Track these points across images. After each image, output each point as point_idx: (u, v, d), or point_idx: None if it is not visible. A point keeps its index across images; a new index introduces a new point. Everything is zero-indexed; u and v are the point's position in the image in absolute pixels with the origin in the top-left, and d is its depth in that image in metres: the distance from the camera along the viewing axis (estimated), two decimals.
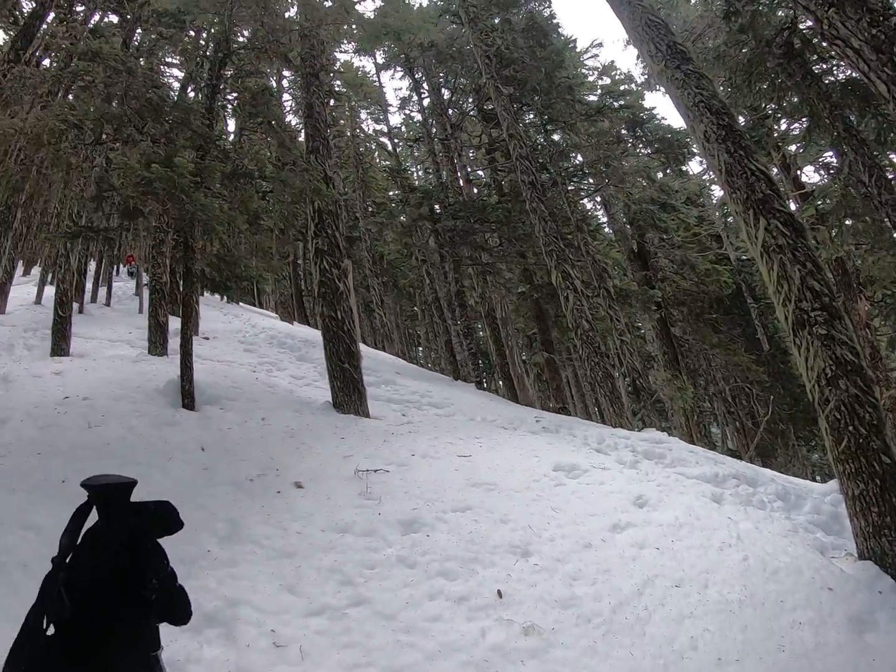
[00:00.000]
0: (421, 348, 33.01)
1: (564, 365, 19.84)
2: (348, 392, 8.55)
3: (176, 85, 16.17)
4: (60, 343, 10.80)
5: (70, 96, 10.81)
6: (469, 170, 20.13)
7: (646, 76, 20.10)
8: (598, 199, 21.43)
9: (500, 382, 19.01)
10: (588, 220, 20.91)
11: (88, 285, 19.42)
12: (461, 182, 18.69)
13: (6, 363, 9.68)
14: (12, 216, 13.57)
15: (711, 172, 20.07)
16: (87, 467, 5.59)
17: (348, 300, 9.13)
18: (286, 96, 23.49)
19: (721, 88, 10.20)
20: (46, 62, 12.84)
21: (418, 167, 28.27)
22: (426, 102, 20.86)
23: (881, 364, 12.68)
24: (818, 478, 8.69)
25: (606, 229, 23.05)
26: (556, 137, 18.93)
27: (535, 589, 4.45)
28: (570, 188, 17.96)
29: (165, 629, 3.84)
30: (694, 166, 25.15)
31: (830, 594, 4.86)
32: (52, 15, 11.19)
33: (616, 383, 12.53)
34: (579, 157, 19.00)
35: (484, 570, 4.61)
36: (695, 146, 18.63)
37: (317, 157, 9.60)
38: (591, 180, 18.67)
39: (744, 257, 22.00)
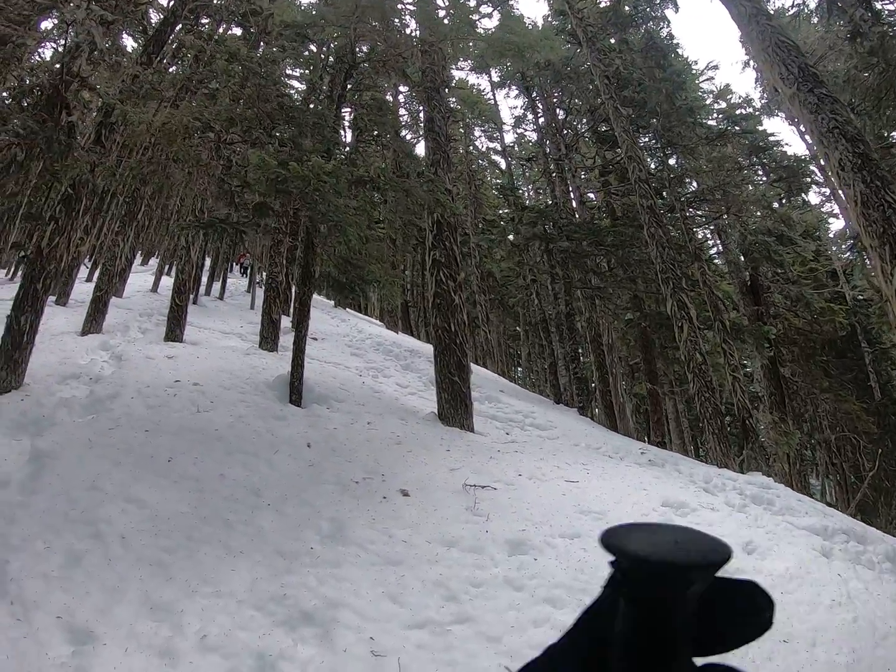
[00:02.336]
0: (521, 368, 32.70)
1: (665, 398, 19.06)
2: (455, 405, 8.38)
3: (297, 96, 16.64)
4: (175, 329, 11.17)
5: (199, 97, 11.23)
6: (582, 192, 19.77)
7: (765, 100, 19.28)
8: (712, 227, 20.57)
9: (596, 410, 18.43)
10: (703, 249, 20.10)
11: (203, 279, 20.27)
12: (574, 203, 18.39)
13: (120, 343, 10.08)
14: (137, 208, 14.29)
15: (835, 204, 18.99)
16: (193, 448, 5.70)
17: (462, 313, 8.98)
18: (401, 111, 23.91)
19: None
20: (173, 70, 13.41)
21: (529, 187, 28.19)
22: (541, 121, 20.70)
23: None
24: None
25: (717, 260, 22.13)
26: (671, 162, 18.34)
27: None
28: (687, 215, 17.31)
29: (260, 620, 3.81)
30: (812, 198, 23.94)
31: None
32: (179, 26, 11.75)
33: (724, 422, 11.85)
34: (694, 184, 18.32)
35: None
36: (818, 175, 17.78)
37: (437, 171, 9.56)
38: (706, 208, 17.94)
39: (860, 297, 20.63)
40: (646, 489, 6.70)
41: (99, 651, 3.38)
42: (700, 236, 21.03)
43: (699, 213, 18.21)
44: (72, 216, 7.71)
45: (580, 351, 18.41)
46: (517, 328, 28.84)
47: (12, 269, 23.36)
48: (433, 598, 4.13)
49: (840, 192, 6.99)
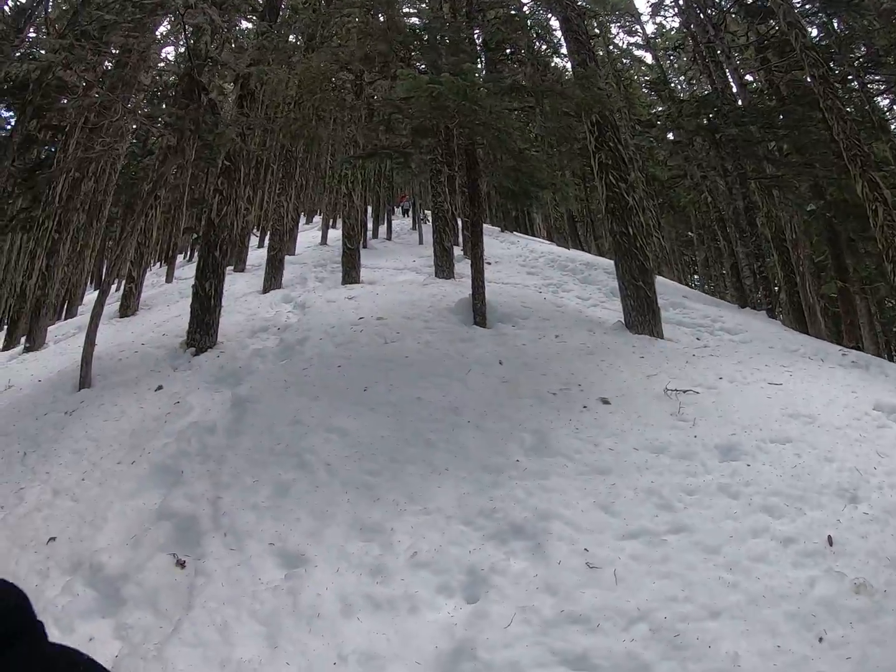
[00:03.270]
0: (697, 276, 31.19)
1: (857, 299, 17.26)
2: (642, 311, 7.97)
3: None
4: (350, 272, 11.59)
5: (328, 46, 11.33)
6: (740, 74, 17.89)
7: None
8: (892, 97, 17.92)
9: (783, 315, 17.05)
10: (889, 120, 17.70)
11: (369, 224, 20.95)
12: (734, 88, 16.69)
13: (301, 293, 10.62)
14: (293, 168, 14.86)
15: None
16: (386, 377, 5.77)
17: (638, 215, 8.46)
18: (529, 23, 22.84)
19: None
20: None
21: (681, 78, 26.19)
22: (681, 3, 18.84)
23: None
24: None
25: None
26: (835, 25, 16.06)
27: (866, 541, 3.71)
28: (865, 83, 15.21)
29: (469, 535, 3.81)
30: None
31: None
32: None
33: None
34: (864, 49, 15.93)
35: (811, 510, 3.93)
36: None
37: (586, 69, 8.96)
38: (884, 73, 15.55)
39: None
40: (854, 392, 6.07)
41: (311, 572, 3.52)
42: (882, 110, 18.52)
43: (876, 77, 15.89)
44: (234, 185, 8.16)
45: (762, 249, 17.04)
46: (689, 233, 27.32)
47: (188, 252, 25.58)
48: (646, 506, 3.94)
49: None
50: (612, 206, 8.27)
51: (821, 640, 3.06)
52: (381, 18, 8.38)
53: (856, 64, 14.95)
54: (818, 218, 14.59)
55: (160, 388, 6.50)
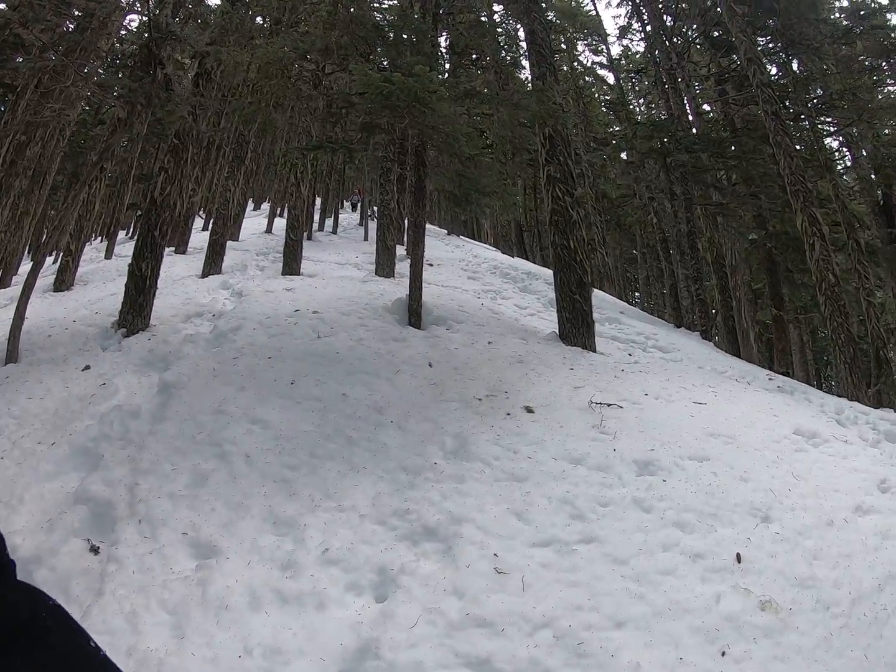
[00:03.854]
0: (638, 293, 31.80)
1: (790, 326, 17.90)
2: (576, 324, 8.12)
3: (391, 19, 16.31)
4: (291, 263, 11.49)
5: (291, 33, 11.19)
6: (697, 103, 18.41)
7: None
8: (839, 140, 18.71)
9: (717, 337, 17.56)
10: (833, 161, 18.43)
11: (316, 217, 20.78)
12: (690, 116, 17.17)
13: (240, 280, 10.47)
14: (244, 153, 14.61)
15: None
16: (315, 371, 5.73)
17: (580, 229, 8.61)
18: (499, 30, 23.02)
19: None
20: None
21: (640, 101, 26.75)
22: (648, 29, 19.30)
23: None
24: None
25: (845, 177, 20.27)
26: (793, 67, 16.68)
27: (774, 560, 3.86)
28: (816, 123, 15.80)
29: (382, 534, 3.82)
30: None
31: None
32: None
33: (857, 350, 10.95)
34: (820, 91, 16.60)
35: (722, 528, 4.05)
36: None
37: (544, 83, 9.08)
38: (834, 116, 16.23)
39: None
40: (776, 415, 6.31)
41: (222, 564, 3.49)
42: (828, 150, 19.30)
43: (828, 119, 16.56)
44: (180, 165, 7.99)
45: (701, 273, 17.55)
46: (634, 251, 27.85)
47: (131, 228, 24.91)
48: (559, 515, 3.99)
49: None
50: (557, 218, 8.41)
51: (723, 654, 3.16)
52: (351, 10, 8.32)
53: (810, 105, 15.50)
54: (759, 247, 15.08)
55: (88, 367, 6.36)
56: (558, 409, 5.50)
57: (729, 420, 5.80)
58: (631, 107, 24.91)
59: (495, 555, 3.59)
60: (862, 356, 13.75)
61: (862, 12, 16.01)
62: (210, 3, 15.61)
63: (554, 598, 3.34)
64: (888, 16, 16.95)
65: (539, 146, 8.80)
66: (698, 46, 18.05)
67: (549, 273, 12.47)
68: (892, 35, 15.67)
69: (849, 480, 5.16)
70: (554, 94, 8.61)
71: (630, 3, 20.31)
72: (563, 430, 5.10)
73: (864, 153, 17.32)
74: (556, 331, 8.38)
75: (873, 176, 17.36)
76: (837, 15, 16.97)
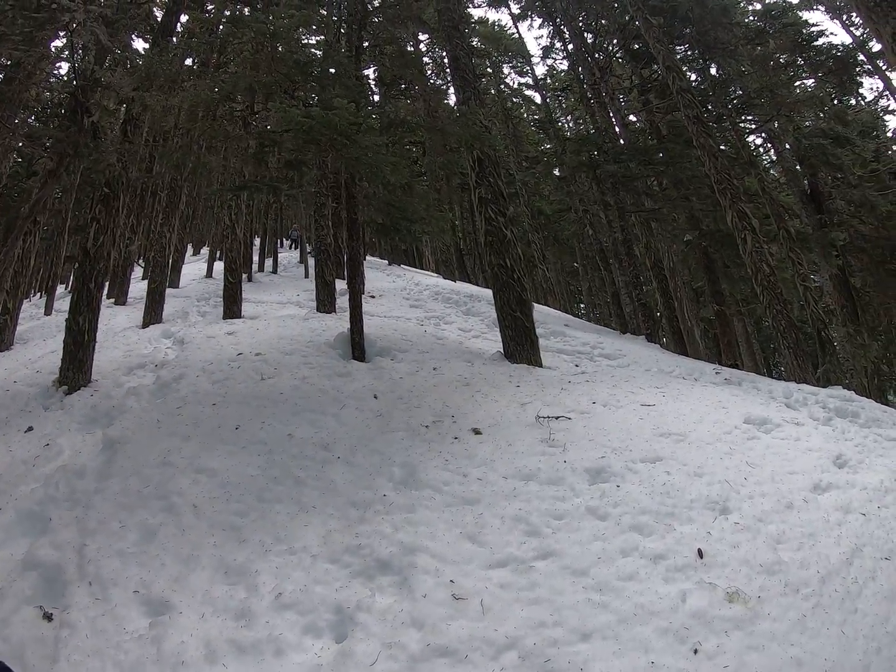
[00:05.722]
0: (583, 305, 32.21)
1: (733, 319, 18.37)
2: (520, 341, 8.20)
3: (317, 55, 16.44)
4: (232, 306, 11.32)
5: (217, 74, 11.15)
6: (623, 114, 18.94)
7: None
8: (763, 136, 19.43)
9: (664, 339, 17.92)
10: (757, 156, 19.15)
11: (256, 257, 20.62)
12: (617, 128, 17.64)
13: (182, 328, 10.29)
14: (177, 198, 14.46)
15: (891, 98, 17.62)
16: (259, 414, 5.63)
17: (516, 248, 8.71)
18: (425, 59, 23.37)
19: None
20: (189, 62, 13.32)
21: (568, 118, 27.33)
22: (570, 48, 19.83)
23: None
24: None
25: (772, 171, 21.06)
26: (712, 71, 17.34)
27: (737, 550, 3.92)
28: (737, 122, 16.39)
29: (335, 572, 3.75)
30: (866, 94, 22.47)
31: None
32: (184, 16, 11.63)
33: (799, 335, 11.28)
34: (739, 92, 17.27)
35: (681, 526, 4.10)
36: (873, 63, 16.44)
37: (469, 106, 9.23)
38: (754, 114, 16.86)
39: None
40: (725, 407, 6.45)
41: (175, 619, 3.39)
42: (752, 147, 20.03)
43: (748, 117, 17.19)
44: (112, 214, 7.83)
45: (642, 278, 17.92)
46: (575, 264, 28.28)
47: (70, 283, 24.31)
48: (513, 534, 3.98)
49: None
50: (491, 239, 8.52)
51: (696, 651, 3.18)
52: (277, 48, 8.35)
53: (730, 105, 16.07)
54: (695, 247, 15.51)
55: (30, 429, 6.17)
56: (506, 428, 5.50)
57: (679, 418, 5.89)
58: (559, 124, 25.47)
59: (452, 581, 3.56)
60: (807, 339, 14.22)
61: (773, 12, 16.75)
62: (138, 48, 15.51)
63: (515, 618, 3.32)
64: (800, 13, 17.81)
65: (469, 169, 8.93)
66: (620, 60, 18.64)
67: (490, 294, 12.63)
68: (804, 31, 16.43)
69: (804, 461, 5.31)
70: (479, 118, 8.73)
71: (551, 24, 20.84)
72: (512, 448, 5.10)
73: (788, 146, 18.02)
74: (501, 350, 8.44)
75: (798, 167, 18.09)
76: (751, 17, 17.67)
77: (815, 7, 17.71)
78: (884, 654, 3.35)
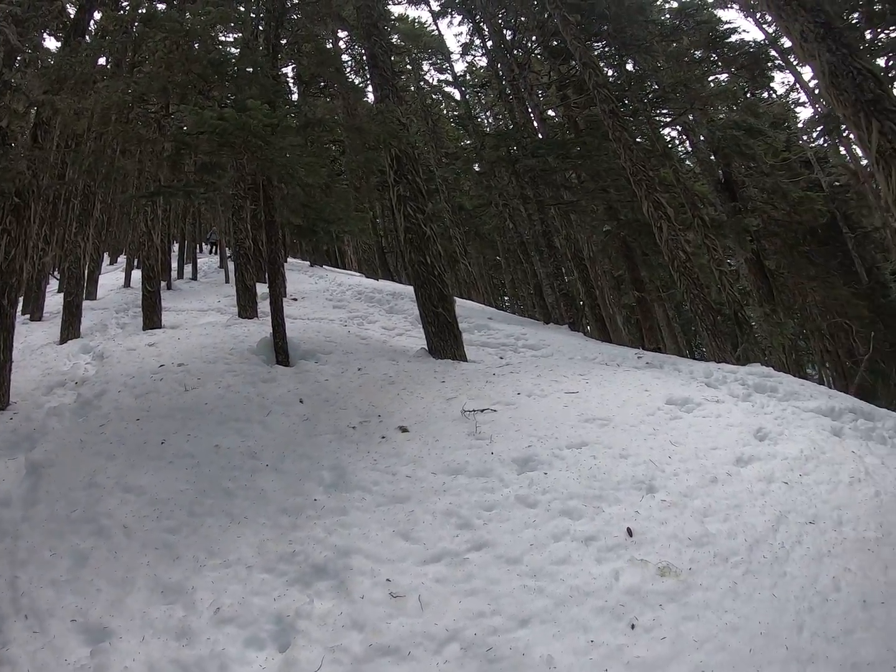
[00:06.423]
0: (507, 297, 32.43)
1: (654, 305, 19.02)
2: (443, 337, 8.27)
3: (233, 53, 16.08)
4: (151, 316, 10.97)
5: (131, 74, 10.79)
6: (541, 109, 19.24)
7: None
8: (679, 129, 20.16)
9: (588, 327, 18.37)
10: (672, 148, 19.84)
11: (174, 264, 20.03)
12: (535, 123, 17.92)
13: (101, 342, 9.94)
14: (91, 206, 13.90)
15: (801, 92, 18.58)
16: (185, 426, 5.52)
17: (436, 244, 8.77)
18: (345, 56, 23.20)
19: None
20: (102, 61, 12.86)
21: (487, 114, 27.48)
22: (489, 45, 20.04)
23: None
24: None
25: (688, 162, 21.86)
26: (629, 67, 17.85)
27: (666, 526, 4.08)
28: (652, 116, 16.93)
29: (272, 582, 3.74)
30: (777, 88, 23.57)
31: None
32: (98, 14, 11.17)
33: (717, 317, 11.77)
34: (656, 85, 17.86)
35: (609, 507, 4.25)
36: (784, 58, 17.25)
37: (387, 104, 9.22)
38: (670, 108, 17.48)
39: (837, 183, 20.45)
40: (648, 390, 6.66)
41: (116, 645, 3.33)
42: (668, 139, 20.79)
43: (664, 111, 17.80)
44: (24, 224, 7.44)
45: (563, 269, 18.27)
46: (497, 257, 28.44)
47: None
48: (446, 528, 4.04)
49: (807, 66, 6.69)
50: (411, 236, 8.55)
51: (633, 626, 3.31)
52: (193, 46, 8.14)
53: (645, 100, 16.56)
54: (614, 237, 15.98)
55: None
56: (433, 424, 5.55)
57: (602, 403, 6.06)
58: (479, 119, 25.54)
59: (388, 580, 3.60)
60: (725, 321, 14.87)
61: (688, 10, 17.42)
62: (50, 48, 14.80)
63: (454, 610, 3.38)
64: (714, 11, 18.53)
65: (387, 167, 8.92)
66: (539, 56, 18.95)
67: (413, 291, 12.69)
68: (717, 28, 17.12)
69: (726, 436, 5.53)
70: (397, 115, 8.76)
71: (471, 21, 20.98)
72: (440, 443, 5.15)
73: (702, 138, 18.79)
74: (426, 346, 8.49)
75: (713, 157, 18.95)
76: (666, 15, 18.26)
77: (729, 6, 18.40)
78: (816, 613, 3.53)
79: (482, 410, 5.70)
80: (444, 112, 29.28)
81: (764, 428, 5.77)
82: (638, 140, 15.16)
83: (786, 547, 4.02)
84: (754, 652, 3.25)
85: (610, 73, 17.32)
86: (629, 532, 3.99)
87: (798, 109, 21.49)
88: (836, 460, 5.26)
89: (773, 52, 17.24)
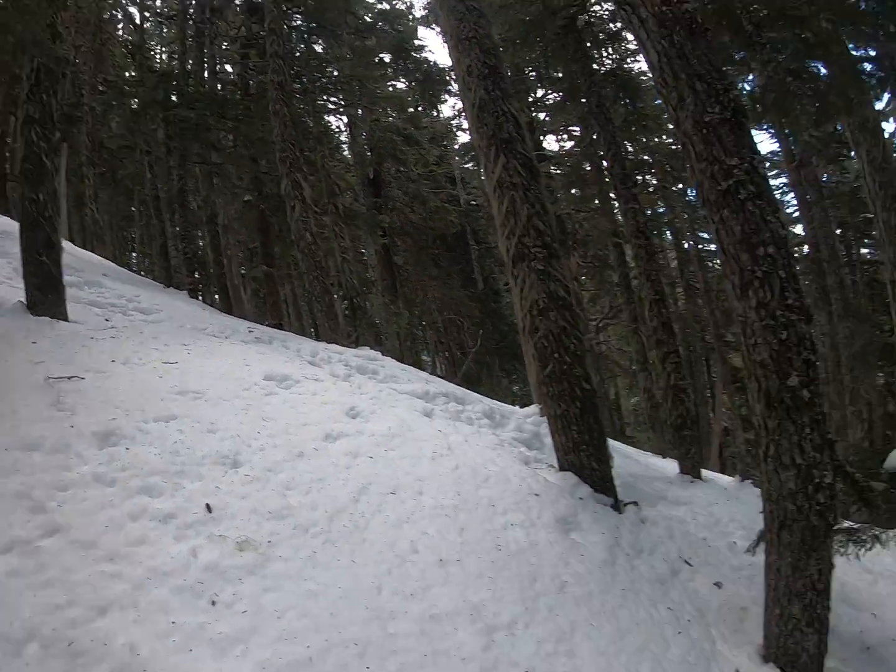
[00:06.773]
0: (135, 254, 29.49)
1: (284, 282, 19.50)
2: (45, 291, 7.06)
3: None
4: None
5: None
6: (218, 61, 18.08)
7: (426, 11, 19.76)
8: (345, 119, 20.93)
9: (217, 296, 18.05)
10: (329, 136, 20.46)
11: None
12: (206, 73, 16.85)
13: None
14: None
15: (465, 119, 20.82)
16: None
17: (53, 181, 7.50)
18: None
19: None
20: None
21: (164, 49, 24.35)
22: None
23: (583, 314, 14.58)
24: (518, 405, 9.83)
25: (346, 152, 22.86)
26: (318, 49, 17.89)
27: (246, 501, 4.19)
28: (319, 102, 17.26)
29: None
30: (446, 110, 26.57)
31: (537, 499, 5.36)
32: None
33: (333, 299, 12.61)
34: (335, 73, 18.24)
35: (191, 483, 4.21)
36: (454, 87, 19.05)
37: (49, 3, 7.69)
38: (340, 97, 18.04)
39: (473, 202, 23.42)
40: (249, 364, 6.73)
41: None
42: (333, 126, 21.55)
43: (333, 100, 18.31)
44: None
45: (198, 233, 17.66)
46: (131, 209, 25.71)
47: None
48: (17, 513, 3.57)
49: (463, 97, 7.44)
50: (27, 167, 7.27)
51: (213, 603, 3.32)
52: None
53: (318, 84, 16.88)
54: (253, 207, 16.01)
55: None
56: (13, 392, 4.87)
57: (201, 376, 5.96)
58: (152, 53, 22.68)
59: None
60: (350, 307, 16.09)
61: (392, 16, 18.51)
62: None
63: (30, 606, 3.02)
64: (417, 26, 19.63)
65: (25, 80, 7.50)
66: (237, 7, 17.89)
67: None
68: (410, 41, 18.30)
69: (318, 413, 5.84)
70: (50, 19, 7.39)
71: None
72: (17, 415, 4.54)
73: (364, 134, 19.87)
74: (24, 300, 7.21)
75: (369, 154, 20.25)
76: (370, 13, 18.71)
77: (432, 27, 19.43)
78: (395, 574, 3.93)
79: (69, 378, 5.18)
80: (120, 34, 25.01)
81: (357, 406, 6.21)
82: (303, 119, 15.40)
83: (366, 516, 4.38)
84: (335, 615, 3.51)
85: (302, 47, 17.22)
86: (208, 508, 3.99)
87: (459, 133, 23.67)
88: (422, 437, 5.89)
89: (451, 76, 18.82)
